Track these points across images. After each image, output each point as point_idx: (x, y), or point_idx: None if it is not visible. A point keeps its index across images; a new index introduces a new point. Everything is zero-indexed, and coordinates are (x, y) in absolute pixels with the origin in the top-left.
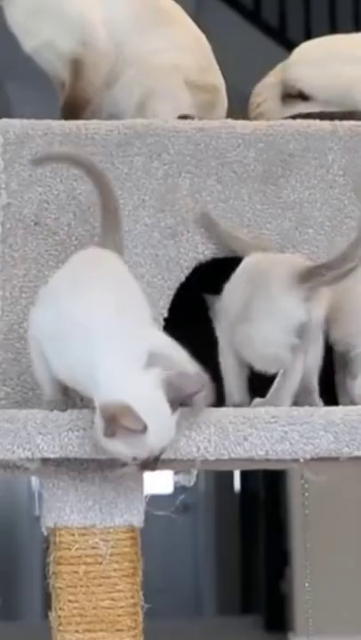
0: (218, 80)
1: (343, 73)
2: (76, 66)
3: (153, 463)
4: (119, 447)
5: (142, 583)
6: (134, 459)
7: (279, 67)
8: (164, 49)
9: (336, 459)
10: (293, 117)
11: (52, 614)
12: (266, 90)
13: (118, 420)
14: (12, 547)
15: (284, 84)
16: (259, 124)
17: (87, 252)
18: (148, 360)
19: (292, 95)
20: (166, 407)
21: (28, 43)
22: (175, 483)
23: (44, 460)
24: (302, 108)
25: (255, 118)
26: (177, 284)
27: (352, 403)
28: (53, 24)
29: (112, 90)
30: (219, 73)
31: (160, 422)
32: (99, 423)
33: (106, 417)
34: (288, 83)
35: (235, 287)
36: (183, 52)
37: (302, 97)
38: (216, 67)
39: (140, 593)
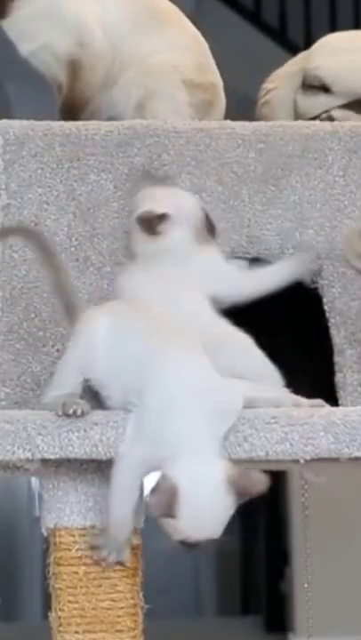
0: (216, 79)
1: None
2: (74, 67)
3: (189, 547)
4: (152, 508)
5: (142, 584)
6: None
7: (300, 56)
8: (161, 49)
9: (336, 459)
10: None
11: (51, 615)
12: (280, 78)
13: (155, 495)
14: (12, 547)
15: (306, 74)
16: (258, 124)
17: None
18: (221, 439)
19: (314, 86)
20: (220, 505)
21: (25, 46)
22: None
23: (44, 461)
24: (323, 99)
25: (262, 105)
26: None
27: None
28: (50, 26)
29: (110, 92)
30: (217, 72)
31: (204, 517)
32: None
33: (156, 487)
34: (309, 72)
35: None
36: (181, 51)
37: (324, 89)
38: (214, 65)
39: (140, 593)
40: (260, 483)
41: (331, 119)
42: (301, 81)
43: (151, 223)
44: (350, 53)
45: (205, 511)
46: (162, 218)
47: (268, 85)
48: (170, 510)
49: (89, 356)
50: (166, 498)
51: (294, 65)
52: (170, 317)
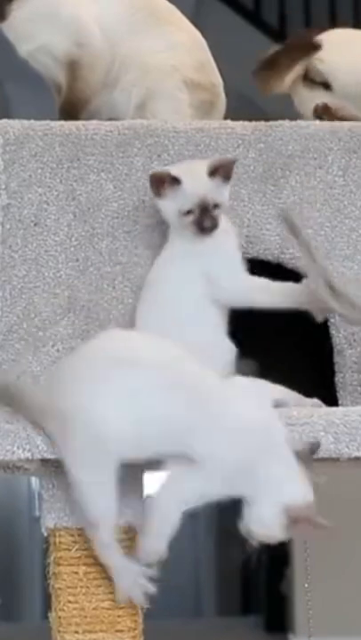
0: (216, 78)
1: None
2: (73, 67)
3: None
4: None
5: None
6: None
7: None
8: (161, 49)
9: (336, 459)
10: None
11: (52, 615)
12: None
13: (311, 521)
14: (12, 547)
15: (309, 67)
16: (258, 124)
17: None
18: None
19: (315, 81)
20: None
21: (24, 47)
22: None
23: (44, 461)
24: (322, 95)
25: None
26: None
27: None
28: (49, 27)
29: (111, 94)
30: (216, 71)
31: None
32: (276, 518)
33: (294, 516)
34: (312, 65)
35: None
36: (180, 51)
37: (324, 85)
38: (213, 65)
39: None
40: (316, 529)
41: (327, 109)
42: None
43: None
44: (355, 53)
45: None
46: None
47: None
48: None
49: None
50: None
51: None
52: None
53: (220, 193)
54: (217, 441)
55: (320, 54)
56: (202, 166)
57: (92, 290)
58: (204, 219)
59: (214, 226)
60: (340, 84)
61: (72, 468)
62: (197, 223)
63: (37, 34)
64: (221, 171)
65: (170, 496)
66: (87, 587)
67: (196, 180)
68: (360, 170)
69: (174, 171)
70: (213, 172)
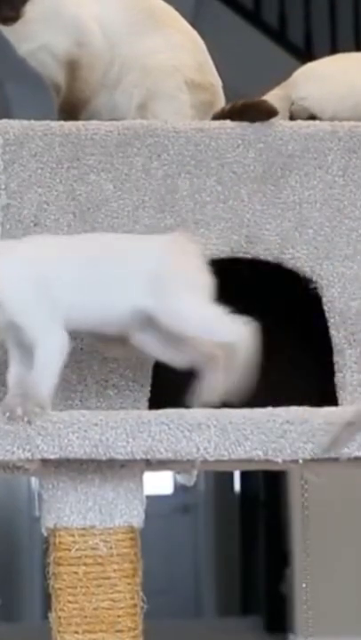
0: (215, 79)
1: (353, 90)
2: (72, 67)
3: None
4: None
5: (142, 584)
6: None
7: (282, 84)
8: (161, 50)
9: (336, 459)
10: None
11: (51, 615)
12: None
13: None
14: (12, 547)
15: (293, 108)
16: (258, 124)
17: None
18: None
19: (302, 119)
20: None
21: (24, 46)
22: (175, 483)
23: (44, 461)
24: None
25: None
26: None
27: None
28: (49, 26)
29: (112, 95)
30: (215, 71)
31: None
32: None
33: None
34: (296, 104)
35: None
36: (181, 51)
37: (311, 117)
38: (212, 65)
39: (140, 594)
40: None
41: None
42: (288, 115)
43: None
44: (336, 80)
45: None
46: None
47: None
48: None
49: None
50: None
51: (280, 90)
52: None
53: None
54: None
55: (299, 93)
56: None
57: None
58: None
59: None
60: (329, 114)
61: None
62: None
63: (38, 33)
64: None
65: None
66: (87, 587)
67: None
68: (360, 170)
69: None
70: None
